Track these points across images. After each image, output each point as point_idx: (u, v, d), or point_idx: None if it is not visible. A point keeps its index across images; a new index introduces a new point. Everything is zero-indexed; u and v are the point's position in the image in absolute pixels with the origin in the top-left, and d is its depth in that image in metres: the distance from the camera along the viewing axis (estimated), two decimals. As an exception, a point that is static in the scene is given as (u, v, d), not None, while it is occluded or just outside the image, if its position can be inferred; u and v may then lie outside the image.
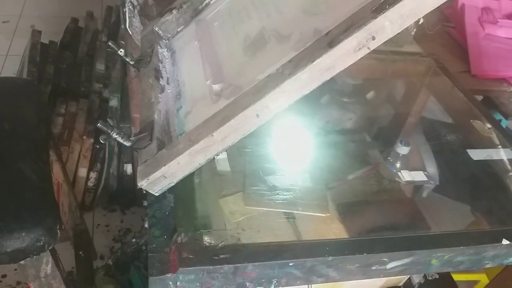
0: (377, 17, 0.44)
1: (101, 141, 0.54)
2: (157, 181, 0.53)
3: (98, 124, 0.53)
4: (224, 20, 0.69)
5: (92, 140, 1.41)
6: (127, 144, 0.56)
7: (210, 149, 0.51)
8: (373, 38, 0.46)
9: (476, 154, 0.69)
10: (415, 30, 1.07)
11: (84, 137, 1.40)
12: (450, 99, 0.76)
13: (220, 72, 0.61)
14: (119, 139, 0.54)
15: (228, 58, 0.62)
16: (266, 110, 0.49)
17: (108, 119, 0.54)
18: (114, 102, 1.39)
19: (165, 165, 0.51)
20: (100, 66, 1.58)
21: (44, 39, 1.67)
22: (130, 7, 0.92)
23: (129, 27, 0.93)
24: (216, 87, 0.59)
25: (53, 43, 1.70)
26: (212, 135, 0.49)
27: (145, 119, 0.58)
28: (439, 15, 1.24)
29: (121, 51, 0.68)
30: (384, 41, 0.46)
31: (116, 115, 1.39)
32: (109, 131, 0.53)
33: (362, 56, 0.46)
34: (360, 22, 0.45)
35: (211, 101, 0.58)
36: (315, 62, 0.46)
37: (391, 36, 0.46)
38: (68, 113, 1.44)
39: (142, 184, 0.52)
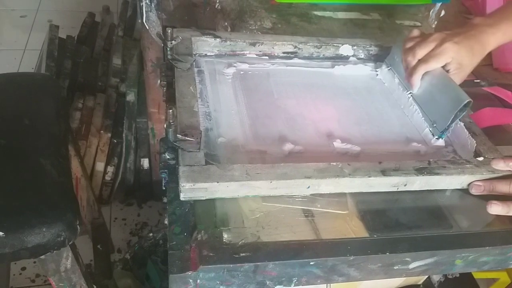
0: (417, 175, 0.60)
1: (170, 123, 0.56)
2: (197, 190, 0.54)
3: (171, 110, 0.55)
4: (263, 81, 0.79)
5: (109, 135, 1.42)
6: (172, 138, 0.57)
7: (257, 190, 0.56)
8: (405, 185, 0.61)
9: (501, 151, 0.68)
10: (436, 22, 1.05)
11: (102, 131, 1.41)
12: (472, 93, 0.75)
13: (261, 126, 0.69)
14: (171, 130, 0.56)
15: (269, 118, 0.71)
16: (316, 187, 0.58)
17: (173, 107, 0.56)
18: (131, 97, 1.39)
19: (216, 182, 0.54)
20: (116, 61, 1.59)
21: (61, 34, 1.68)
22: (147, 1, 0.91)
23: (146, 22, 0.93)
24: (261, 139, 0.67)
25: (70, 38, 1.71)
26: (271, 182, 0.56)
27: (188, 124, 0.61)
28: (459, 7, 1.21)
29: (171, 43, 0.72)
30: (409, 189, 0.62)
31: (133, 110, 1.40)
32: (172, 121, 0.56)
33: (390, 190, 0.62)
34: (405, 171, 0.60)
35: (251, 145, 0.65)
36: (370, 178, 0.59)
37: (416, 189, 0.62)
38: (85, 108, 1.45)
39: (185, 185, 0.53)
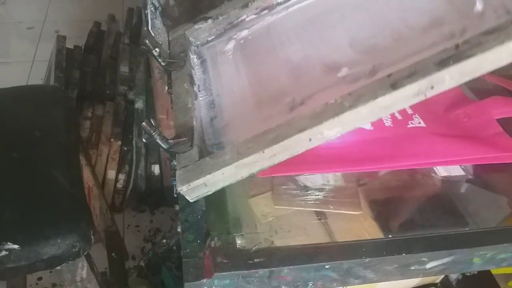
0: (441, 70, 0.48)
1: (144, 141, 0.55)
2: (197, 188, 0.53)
3: (144, 123, 0.53)
4: (263, 40, 0.71)
5: (119, 143, 1.42)
6: (165, 146, 0.55)
7: (257, 164, 0.52)
8: (432, 88, 0.49)
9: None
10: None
11: (112, 139, 1.42)
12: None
13: (263, 91, 0.63)
14: (158, 140, 0.54)
15: (271, 78, 0.65)
16: (319, 136, 0.51)
17: (151, 119, 0.54)
18: (139, 104, 1.40)
19: (209, 174, 0.52)
20: (124, 69, 1.59)
21: (69, 44, 1.70)
22: (152, 8, 0.91)
23: (151, 29, 0.93)
24: (264, 106, 0.61)
25: (77, 48, 1.72)
26: (263, 152, 0.51)
27: (182, 124, 0.58)
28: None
29: (155, 51, 0.68)
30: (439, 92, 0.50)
31: (142, 117, 1.40)
32: (152, 132, 0.54)
33: (417, 102, 0.50)
34: (424, 71, 0.48)
35: (254, 118, 0.60)
36: (377, 99, 0.49)
37: (447, 88, 0.50)
38: (95, 117, 1.46)
39: (182, 189, 0.52)
